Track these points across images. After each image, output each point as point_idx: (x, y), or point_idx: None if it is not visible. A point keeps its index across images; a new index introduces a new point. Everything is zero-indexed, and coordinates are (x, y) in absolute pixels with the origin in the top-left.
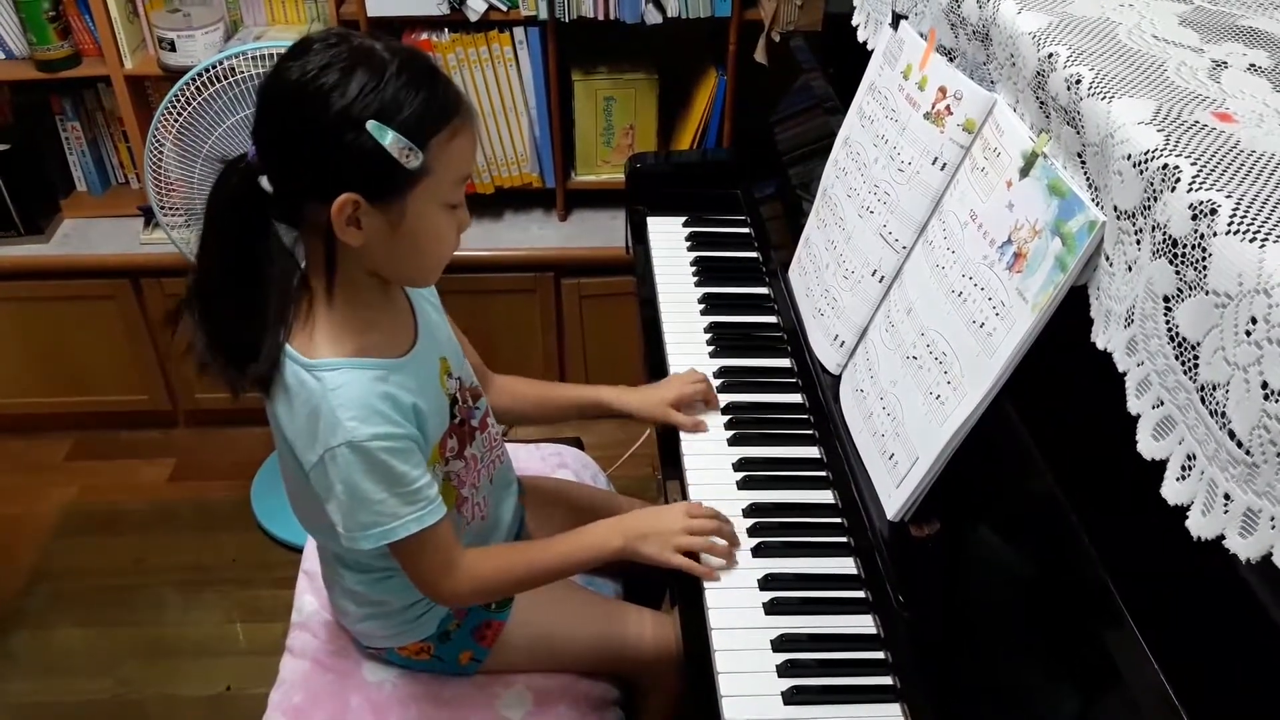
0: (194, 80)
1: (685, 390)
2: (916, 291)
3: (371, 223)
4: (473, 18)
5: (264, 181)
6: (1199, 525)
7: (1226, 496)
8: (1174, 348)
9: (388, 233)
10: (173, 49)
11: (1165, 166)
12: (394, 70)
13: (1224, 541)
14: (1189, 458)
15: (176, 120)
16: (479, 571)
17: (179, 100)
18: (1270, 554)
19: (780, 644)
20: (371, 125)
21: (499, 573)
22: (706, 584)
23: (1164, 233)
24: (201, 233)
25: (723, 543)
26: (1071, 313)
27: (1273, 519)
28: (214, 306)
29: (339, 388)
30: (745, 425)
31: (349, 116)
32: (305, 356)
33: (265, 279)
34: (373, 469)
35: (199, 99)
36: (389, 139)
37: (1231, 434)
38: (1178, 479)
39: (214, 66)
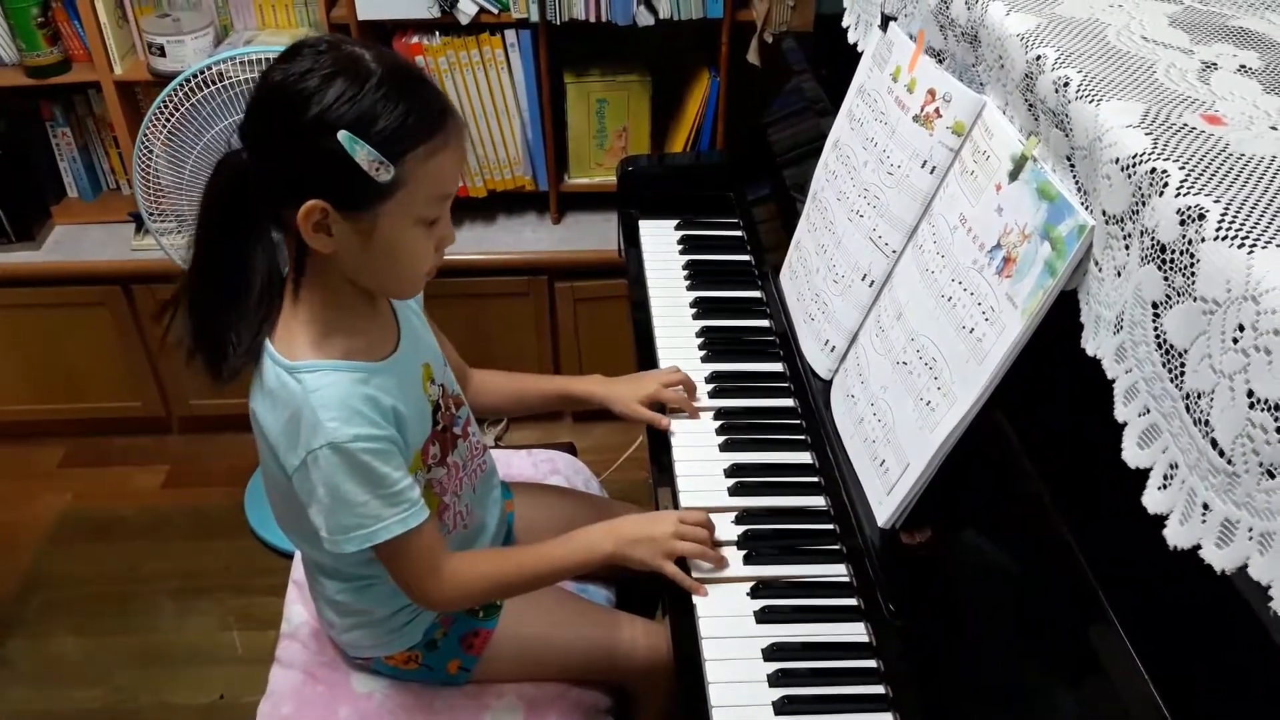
0: (183, 85)
1: (662, 394)
2: (906, 296)
3: (341, 231)
4: (464, 20)
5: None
6: (1176, 535)
7: (1205, 506)
8: (1161, 355)
9: (358, 243)
10: (162, 54)
11: (1153, 171)
12: (375, 81)
13: (1200, 551)
14: (1171, 466)
15: (166, 125)
16: (466, 575)
17: (168, 105)
18: (1246, 565)
19: (771, 653)
20: (343, 135)
21: (487, 576)
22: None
23: (1152, 238)
24: (195, 224)
25: (714, 551)
26: (1063, 317)
27: (1250, 530)
28: (201, 297)
29: (320, 389)
30: (737, 430)
31: (323, 123)
32: (287, 359)
33: (250, 273)
34: (354, 470)
35: (188, 104)
36: (359, 151)
37: (1214, 443)
38: (1159, 488)
39: (203, 71)
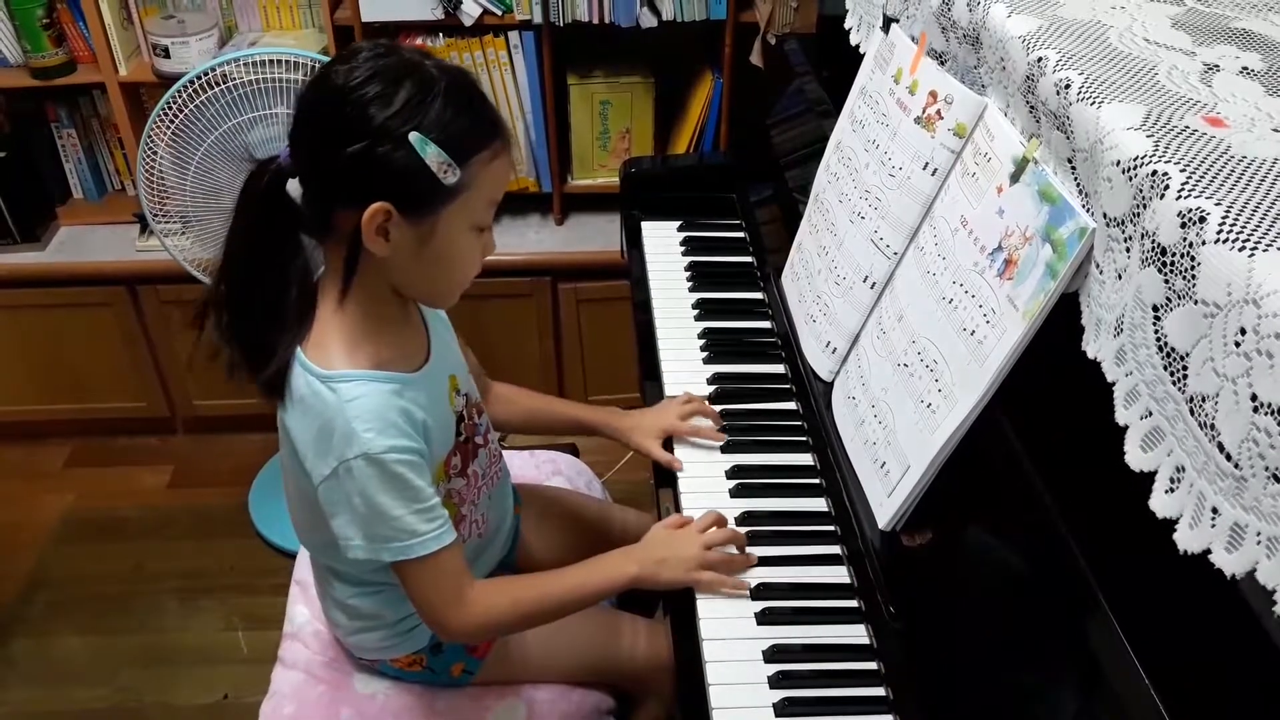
0: (187, 86)
1: (678, 428)
2: (908, 298)
3: (400, 235)
4: (467, 22)
5: (293, 185)
6: (1186, 539)
7: (1214, 510)
8: (1163, 358)
9: (415, 248)
10: (167, 55)
11: (1154, 173)
12: (442, 87)
13: (1210, 556)
14: (1178, 470)
15: (170, 126)
16: (490, 604)
17: (172, 106)
18: (1255, 569)
19: (772, 655)
20: (414, 138)
21: (510, 606)
22: (699, 595)
23: (1153, 241)
24: (227, 233)
25: (741, 555)
26: (1065, 319)
27: (1259, 534)
28: (239, 307)
29: (356, 399)
30: (738, 432)
31: (391, 127)
32: (320, 368)
33: (286, 283)
34: (389, 482)
35: (192, 105)
36: (430, 153)
37: (1220, 447)
38: (1166, 491)
39: (208, 73)
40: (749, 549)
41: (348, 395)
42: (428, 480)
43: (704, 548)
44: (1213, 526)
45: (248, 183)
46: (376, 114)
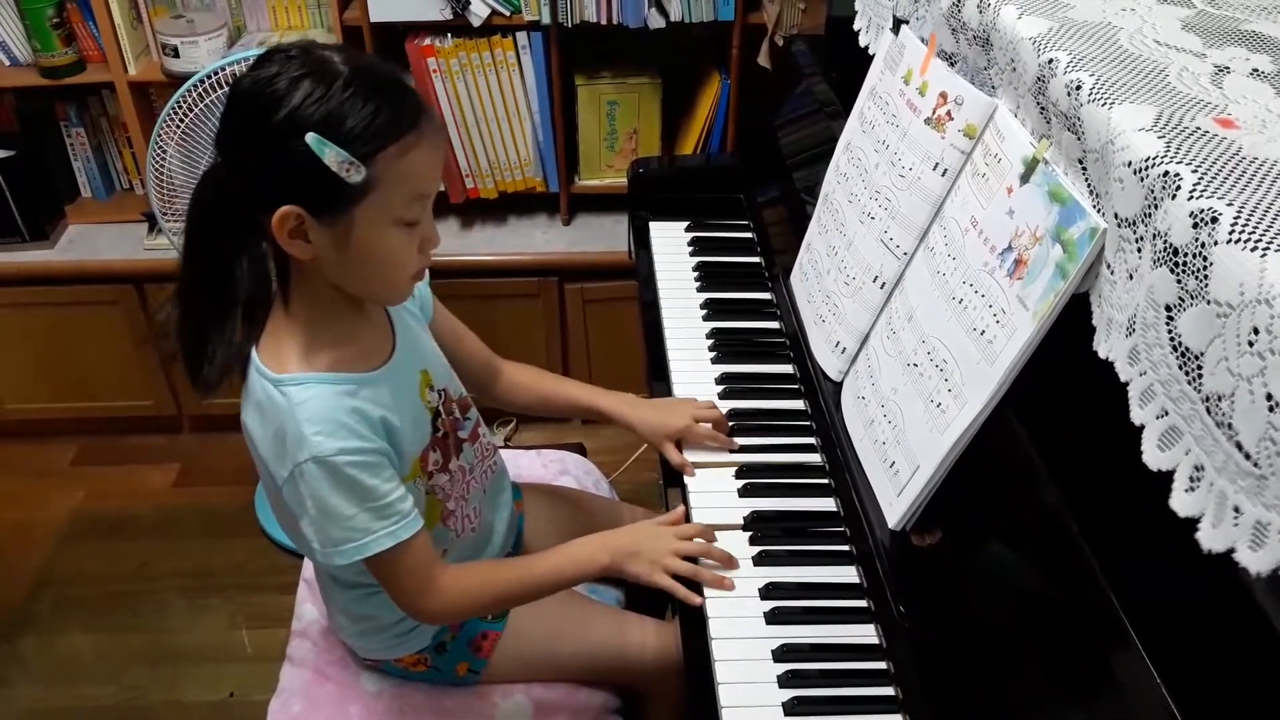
0: (196, 86)
1: (692, 432)
2: (917, 298)
3: (319, 237)
4: (475, 23)
5: None
6: (1210, 538)
7: (1236, 509)
8: (1177, 358)
9: (336, 248)
10: (176, 55)
11: (1166, 174)
12: (342, 82)
13: (1234, 555)
14: (1197, 469)
15: (179, 126)
16: (459, 588)
17: (181, 106)
18: None
19: (781, 654)
20: (310, 138)
21: (480, 589)
22: (707, 593)
23: (1165, 241)
24: (183, 236)
25: (710, 565)
26: (1075, 319)
27: None
28: (188, 307)
29: (304, 403)
30: (747, 432)
31: (291, 126)
32: (273, 371)
33: (235, 285)
34: (340, 484)
35: (201, 105)
36: (328, 153)
37: (1239, 445)
38: (1186, 490)
39: (217, 72)
40: (750, 546)
41: (297, 399)
42: (384, 478)
43: (675, 553)
44: (1235, 525)
45: (197, 189)
46: (277, 114)
